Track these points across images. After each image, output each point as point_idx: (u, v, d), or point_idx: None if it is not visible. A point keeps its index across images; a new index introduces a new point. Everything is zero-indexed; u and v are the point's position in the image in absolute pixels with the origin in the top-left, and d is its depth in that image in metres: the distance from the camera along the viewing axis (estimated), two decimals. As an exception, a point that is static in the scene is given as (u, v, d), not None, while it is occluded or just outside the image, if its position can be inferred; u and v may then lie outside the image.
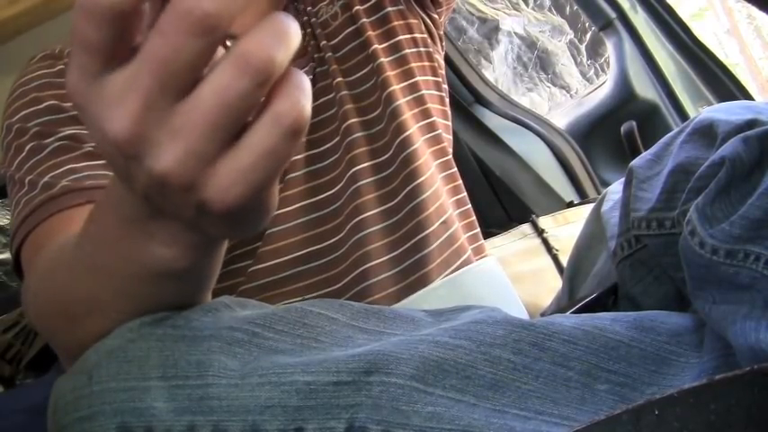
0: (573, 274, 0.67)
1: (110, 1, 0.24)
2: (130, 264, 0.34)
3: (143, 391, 0.34)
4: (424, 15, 0.75)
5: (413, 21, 0.73)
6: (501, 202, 1.63)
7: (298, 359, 0.35)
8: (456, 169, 0.75)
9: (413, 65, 0.72)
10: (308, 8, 0.71)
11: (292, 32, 0.26)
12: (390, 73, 0.69)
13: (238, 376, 0.34)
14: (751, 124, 0.42)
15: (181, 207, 0.29)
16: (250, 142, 0.27)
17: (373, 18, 0.71)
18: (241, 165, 0.27)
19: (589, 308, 0.55)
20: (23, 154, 0.61)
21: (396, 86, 0.69)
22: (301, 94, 0.27)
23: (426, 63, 0.74)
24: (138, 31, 0.26)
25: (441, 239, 0.68)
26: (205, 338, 0.36)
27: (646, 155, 0.52)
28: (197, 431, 0.33)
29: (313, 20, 0.71)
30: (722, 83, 1.48)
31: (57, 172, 0.58)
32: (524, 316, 0.65)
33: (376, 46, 0.70)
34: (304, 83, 0.27)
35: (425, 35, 0.74)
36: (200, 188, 0.27)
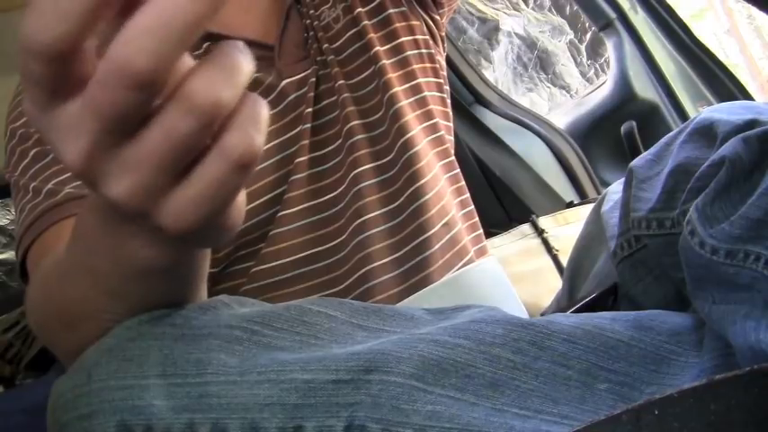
0: (573, 274, 0.66)
1: (47, 41, 0.24)
2: (116, 263, 0.35)
3: (142, 389, 0.34)
4: (425, 17, 0.75)
5: (415, 22, 0.73)
6: (501, 202, 1.63)
7: (297, 356, 0.35)
8: (459, 170, 0.75)
9: (415, 66, 0.72)
10: (311, 11, 0.72)
11: (242, 65, 0.26)
12: (392, 75, 0.69)
13: (237, 373, 0.34)
14: (751, 124, 0.42)
15: (142, 225, 0.30)
16: (199, 175, 0.27)
17: (375, 20, 0.71)
18: (190, 196, 0.27)
19: (589, 308, 0.55)
20: (27, 159, 0.61)
21: (398, 88, 0.69)
22: (252, 127, 0.27)
23: (428, 65, 0.74)
24: (85, 64, 0.26)
25: (443, 241, 0.68)
26: (204, 337, 0.36)
27: (646, 155, 0.52)
28: (196, 429, 0.33)
29: (315, 23, 0.71)
30: (722, 83, 1.48)
31: (60, 179, 0.58)
32: (524, 316, 0.65)
33: (378, 48, 0.70)
34: (257, 113, 0.27)
35: (427, 37, 0.74)
36: (153, 215, 0.28)
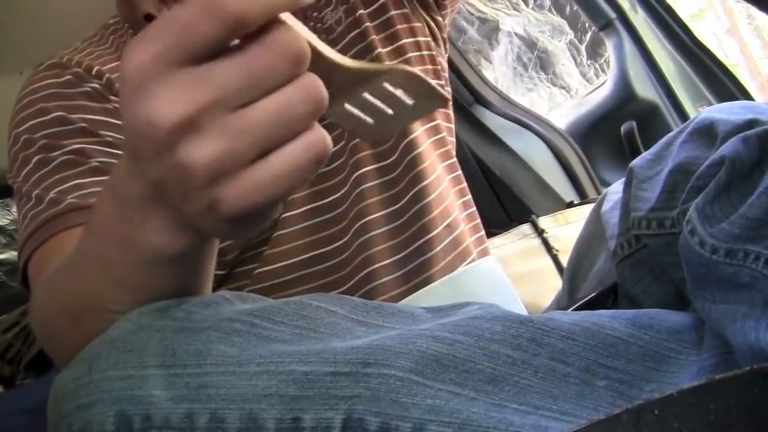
0: (573, 274, 0.66)
1: (240, 10, 0.26)
2: (127, 249, 0.35)
3: (141, 380, 0.34)
4: (427, 18, 0.75)
5: (416, 24, 0.73)
6: (501, 202, 1.63)
7: (296, 348, 0.35)
8: (461, 171, 0.75)
9: (416, 68, 0.72)
10: (314, 14, 0.72)
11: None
12: None
13: (236, 363, 0.34)
14: (751, 124, 0.42)
15: (191, 200, 0.30)
16: (282, 157, 0.29)
17: (377, 22, 0.71)
18: (266, 176, 0.29)
19: (589, 307, 0.55)
20: (30, 166, 0.61)
21: None
22: (327, 134, 0.31)
23: (429, 66, 0.74)
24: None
25: (445, 242, 0.68)
26: (204, 329, 0.36)
27: (646, 155, 0.52)
28: (195, 419, 0.33)
29: (318, 25, 0.71)
30: (722, 83, 1.47)
31: (62, 187, 0.58)
32: (524, 315, 0.65)
33: (380, 50, 0.70)
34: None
35: (429, 38, 0.75)
36: (220, 187, 0.29)
